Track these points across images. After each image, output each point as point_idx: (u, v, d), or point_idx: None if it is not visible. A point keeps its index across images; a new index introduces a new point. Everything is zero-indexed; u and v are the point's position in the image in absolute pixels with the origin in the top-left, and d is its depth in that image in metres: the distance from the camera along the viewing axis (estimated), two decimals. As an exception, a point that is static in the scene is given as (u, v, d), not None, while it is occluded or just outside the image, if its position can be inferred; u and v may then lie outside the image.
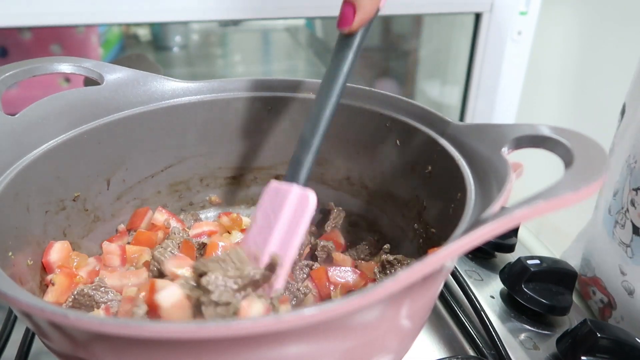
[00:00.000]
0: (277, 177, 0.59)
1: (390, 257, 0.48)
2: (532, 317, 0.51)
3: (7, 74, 0.47)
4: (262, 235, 0.41)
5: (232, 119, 0.55)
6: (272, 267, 0.40)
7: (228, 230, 0.56)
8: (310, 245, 0.53)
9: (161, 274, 0.45)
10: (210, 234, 0.54)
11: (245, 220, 0.57)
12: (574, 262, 0.61)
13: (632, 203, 0.50)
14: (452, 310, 0.52)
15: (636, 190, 0.50)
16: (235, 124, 0.56)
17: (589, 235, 0.60)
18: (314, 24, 1.58)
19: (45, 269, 0.45)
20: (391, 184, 0.53)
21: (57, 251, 0.45)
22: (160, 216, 0.54)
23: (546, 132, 0.35)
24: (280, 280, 0.40)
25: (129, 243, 0.52)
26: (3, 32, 1.02)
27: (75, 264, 0.46)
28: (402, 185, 0.51)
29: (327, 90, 0.43)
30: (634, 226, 0.50)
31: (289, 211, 0.41)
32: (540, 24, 1.02)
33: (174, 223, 0.54)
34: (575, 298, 0.61)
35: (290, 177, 0.43)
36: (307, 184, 0.42)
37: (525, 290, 0.50)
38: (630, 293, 0.52)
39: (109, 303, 0.43)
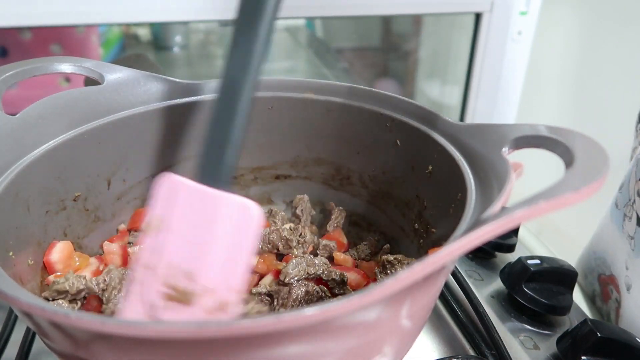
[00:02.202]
0: (278, 177, 0.59)
1: (391, 257, 0.48)
2: (532, 317, 0.51)
3: (7, 74, 0.47)
4: (193, 252, 0.33)
5: (232, 119, 0.55)
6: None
7: None
8: (312, 245, 0.53)
9: None
10: None
11: None
12: (589, 265, 0.61)
13: (639, 194, 0.50)
14: (452, 310, 0.52)
15: None
16: (236, 124, 0.56)
17: (601, 232, 0.60)
18: (314, 24, 1.58)
19: (46, 268, 0.45)
20: (391, 184, 0.53)
21: (59, 251, 0.45)
22: None
23: (546, 132, 0.35)
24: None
25: (129, 243, 0.52)
26: (3, 32, 1.02)
27: (77, 264, 0.46)
28: (402, 185, 0.51)
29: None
30: (638, 217, 0.50)
31: (227, 228, 0.33)
32: (541, 24, 1.02)
33: None
34: (584, 298, 0.61)
35: (209, 176, 0.33)
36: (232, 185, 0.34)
37: (526, 290, 0.50)
38: (628, 289, 0.52)
39: None
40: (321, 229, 0.57)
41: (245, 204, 0.34)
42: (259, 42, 0.34)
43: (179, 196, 0.34)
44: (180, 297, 0.33)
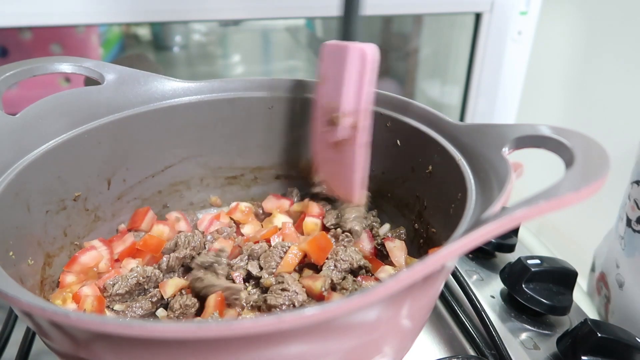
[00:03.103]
0: (277, 177, 0.59)
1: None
2: (533, 317, 0.51)
3: (7, 74, 0.47)
4: (334, 92, 0.47)
5: (232, 119, 0.55)
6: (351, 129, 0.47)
7: (236, 223, 0.56)
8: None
9: None
10: (217, 217, 0.56)
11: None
12: (593, 262, 0.63)
13: (628, 196, 0.51)
14: (453, 310, 0.52)
15: (637, 182, 0.51)
16: (236, 124, 0.56)
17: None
18: (314, 24, 1.58)
19: (58, 283, 0.46)
20: (391, 184, 0.53)
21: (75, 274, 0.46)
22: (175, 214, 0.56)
23: (547, 132, 0.35)
24: (362, 136, 0.46)
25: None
26: (3, 32, 1.02)
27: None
28: (403, 185, 0.51)
29: None
30: (627, 219, 0.51)
31: (351, 68, 0.45)
32: (541, 24, 1.02)
33: (182, 225, 0.55)
34: (581, 296, 0.61)
35: (343, 36, 0.47)
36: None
37: (526, 290, 0.50)
38: (621, 286, 0.53)
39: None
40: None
41: (361, 48, 0.45)
42: None
43: (327, 56, 0.48)
44: (333, 121, 0.48)
